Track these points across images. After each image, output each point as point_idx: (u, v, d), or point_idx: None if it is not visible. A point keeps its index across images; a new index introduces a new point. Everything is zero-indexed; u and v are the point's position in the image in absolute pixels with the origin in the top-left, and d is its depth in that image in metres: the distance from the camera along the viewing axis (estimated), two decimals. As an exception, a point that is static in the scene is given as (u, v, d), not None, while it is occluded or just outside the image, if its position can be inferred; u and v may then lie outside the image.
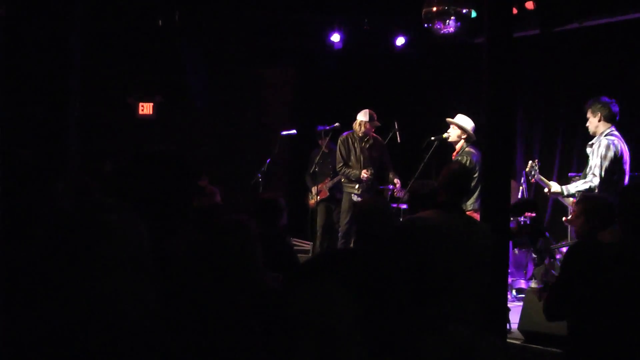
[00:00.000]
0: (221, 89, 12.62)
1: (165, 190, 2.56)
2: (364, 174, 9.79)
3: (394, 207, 9.22)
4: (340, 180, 10.17)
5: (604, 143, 7.45)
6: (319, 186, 10.60)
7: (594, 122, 7.62)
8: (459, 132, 8.67)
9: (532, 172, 8.34)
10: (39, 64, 9.35)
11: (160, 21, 10.78)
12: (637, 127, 9.89)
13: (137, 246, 1.80)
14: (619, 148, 7.44)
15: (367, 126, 9.88)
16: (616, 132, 7.57)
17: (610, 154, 7.39)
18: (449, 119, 8.81)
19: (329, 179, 10.57)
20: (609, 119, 7.55)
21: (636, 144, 9.80)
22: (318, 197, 10.61)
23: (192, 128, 12.19)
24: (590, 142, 7.68)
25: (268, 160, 10.30)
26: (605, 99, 7.66)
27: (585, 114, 7.77)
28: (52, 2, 9.13)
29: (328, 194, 10.64)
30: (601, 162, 7.41)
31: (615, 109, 7.58)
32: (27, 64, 9.35)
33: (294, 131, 10.83)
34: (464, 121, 8.71)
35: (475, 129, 8.64)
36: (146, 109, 12.31)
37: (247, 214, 5.49)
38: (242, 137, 12.67)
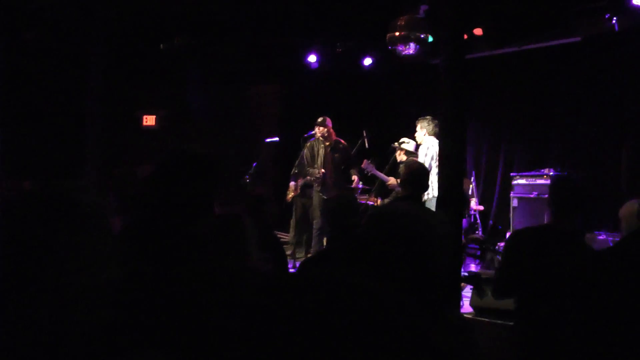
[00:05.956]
0: (217, 104, 12.51)
1: (195, 186, 2.65)
2: (317, 173, 9.71)
3: (362, 204, 9.40)
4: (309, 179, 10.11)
5: (423, 151, 8.48)
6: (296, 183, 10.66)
7: (420, 134, 8.66)
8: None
9: (368, 169, 8.95)
10: (63, 82, 9.48)
11: (162, 45, 10.88)
12: (563, 131, 10.17)
13: (105, 224, 1.77)
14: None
15: (316, 129, 9.86)
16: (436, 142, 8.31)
17: (427, 158, 8.33)
18: (395, 144, 9.22)
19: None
20: (431, 133, 8.53)
21: (562, 145, 10.10)
22: (292, 193, 10.69)
23: (189, 137, 12.22)
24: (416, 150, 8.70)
25: (254, 164, 10.35)
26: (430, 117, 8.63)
27: (415, 127, 8.74)
28: (74, 30, 9.25)
29: (299, 191, 10.65)
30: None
31: (437, 128, 8.28)
32: (53, 83, 9.46)
33: (276, 138, 10.90)
34: (408, 146, 9.09)
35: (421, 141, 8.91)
36: (150, 120, 12.35)
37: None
38: (233, 144, 12.70)
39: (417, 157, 8.79)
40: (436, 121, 8.50)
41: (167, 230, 2.59)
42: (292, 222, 10.60)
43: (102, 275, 1.74)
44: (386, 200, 9.26)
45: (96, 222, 1.78)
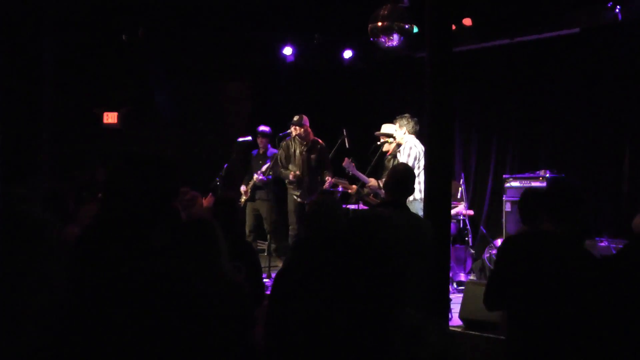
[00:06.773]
0: (184, 101, 12.56)
1: (152, 189, 2.63)
2: (291, 175, 9.67)
3: (343, 208, 9.24)
4: (260, 181, 10.12)
5: (405, 152, 8.34)
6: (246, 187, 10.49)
7: (399, 133, 8.56)
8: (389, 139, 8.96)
9: (349, 168, 8.91)
10: (15, 76, 9.25)
11: (124, 36, 10.70)
12: (560, 130, 10.05)
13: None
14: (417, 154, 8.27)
15: (291, 128, 9.81)
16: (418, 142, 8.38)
17: (410, 159, 8.21)
18: (377, 132, 9.14)
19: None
20: (411, 131, 8.50)
21: (558, 145, 9.98)
22: (244, 197, 10.46)
23: (155, 136, 12.09)
24: (397, 149, 8.60)
25: (225, 165, 10.19)
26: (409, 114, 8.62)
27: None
28: (25, 19, 9.04)
29: (249, 193, 10.45)
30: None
31: (417, 126, 8.49)
32: (3, 76, 9.23)
33: (249, 138, 10.72)
34: (388, 128, 8.98)
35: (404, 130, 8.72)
36: (111, 118, 12.20)
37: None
38: (203, 144, 12.57)
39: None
40: (415, 119, 8.56)
41: (124, 238, 2.57)
42: (247, 228, 10.52)
43: (47, 292, 1.79)
44: (366, 190, 9.22)
45: (41, 240, 1.85)
